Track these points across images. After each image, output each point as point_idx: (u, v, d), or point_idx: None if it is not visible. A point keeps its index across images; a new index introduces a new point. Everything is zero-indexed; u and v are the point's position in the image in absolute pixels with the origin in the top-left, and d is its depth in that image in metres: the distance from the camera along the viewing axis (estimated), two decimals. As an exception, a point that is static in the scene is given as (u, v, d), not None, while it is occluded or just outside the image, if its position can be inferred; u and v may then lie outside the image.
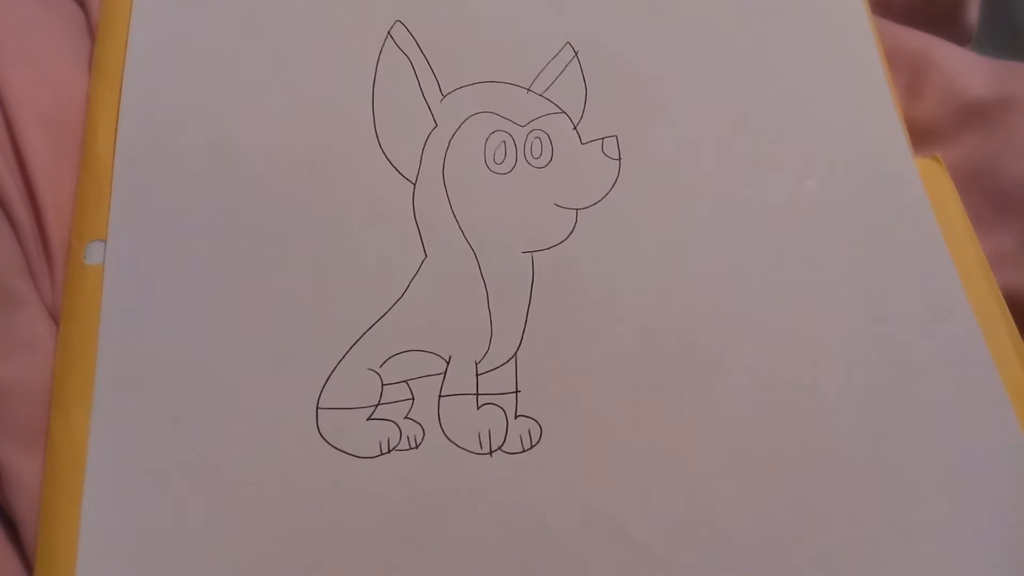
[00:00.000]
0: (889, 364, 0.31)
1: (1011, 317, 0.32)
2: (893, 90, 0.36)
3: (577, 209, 0.32)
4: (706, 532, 0.28)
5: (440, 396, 0.29)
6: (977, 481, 0.30)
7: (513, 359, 0.30)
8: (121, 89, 0.32)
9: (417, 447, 0.29)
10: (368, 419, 0.29)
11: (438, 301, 0.30)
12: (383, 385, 0.29)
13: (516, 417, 0.29)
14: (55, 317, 0.30)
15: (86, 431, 0.28)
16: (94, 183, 0.31)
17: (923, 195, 0.34)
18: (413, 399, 0.29)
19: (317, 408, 0.29)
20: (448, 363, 0.30)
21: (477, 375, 0.30)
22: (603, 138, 0.33)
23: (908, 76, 0.38)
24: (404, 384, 0.29)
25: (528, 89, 0.34)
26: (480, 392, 0.30)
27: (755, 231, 0.33)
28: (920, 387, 0.31)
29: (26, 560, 0.27)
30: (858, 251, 0.33)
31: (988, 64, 0.38)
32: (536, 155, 0.33)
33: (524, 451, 0.29)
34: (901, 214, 0.34)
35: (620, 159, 0.33)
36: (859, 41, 0.37)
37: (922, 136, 0.37)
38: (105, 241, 0.30)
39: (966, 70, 0.38)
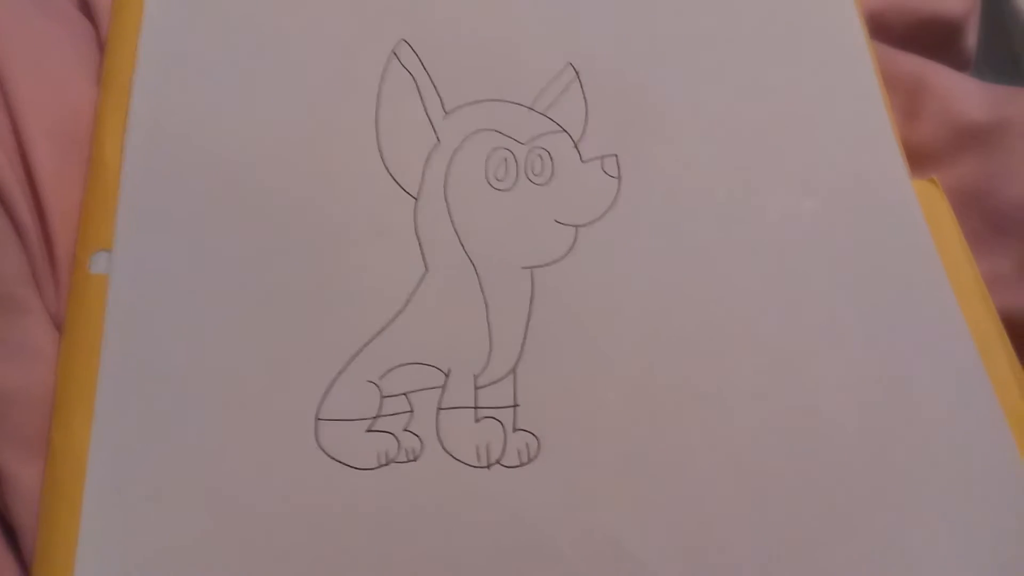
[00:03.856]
0: (887, 386, 0.31)
1: (1008, 339, 0.32)
2: (890, 113, 0.36)
3: (577, 226, 0.33)
4: (705, 549, 0.28)
5: (439, 409, 0.30)
6: (975, 504, 0.30)
7: (512, 373, 0.30)
8: (129, 101, 0.33)
9: (415, 459, 0.29)
10: (367, 431, 0.29)
11: (438, 315, 0.31)
12: (382, 397, 0.29)
13: (514, 431, 0.29)
14: (59, 326, 0.30)
15: (87, 439, 0.28)
16: (101, 193, 0.31)
17: (920, 217, 0.34)
18: (412, 412, 0.29)
19: (316, 419, 0.29)
20: (447, 376, 0.30)
21: (476, 389, 0.30)
22: (603, 156, 0.34)
23: (905, 99, 0.39)
24: (403, 397, 0.30)
25: (530, 108, 0.34)
26: (479, 406, 0.30)
27: (753, 251, 0.33)
28: (918, 409, 0.31)
29: (25, 566, 0.27)
30: (856, 272, 0.33)
31: (985, 88, 0.39)
32: (537, 172, 0.33)
33: (522, 465, 0.29)
34: (898, 236, 0.34)
35: (620, 177, 0.33)
36: (857, 64, 0.37)
37: (919, 159, 0.37)
38: (110, 251, 0.30)
39: (963, 94, 0.38)
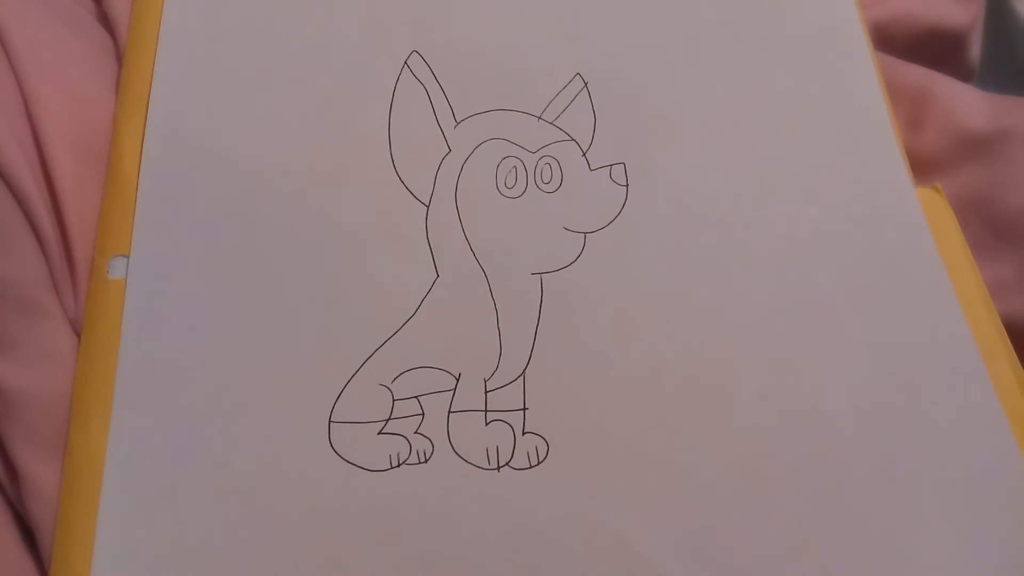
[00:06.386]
0: (891, 389, 0.31)
1: (1010, 344, 0.32)
2: (894, 122, 0.37)
3: (585, 233, 0.33)
4: (712, 550, 0.29)
5: (449, 412, 0.30)
6: (978, 505, 0.30)
7: (521, 377, 0.30)
8: (146, 111, 0.33)
9: (426, 461, 0.29)
10: (379, 433, 0.29)
11: (449, 320, 0.31)
12: (394, 400, 0.30)
13: (524, 434, 0.30)
14: (77, 330, 0.31)
15: (104, 441, 0.28)
16: (118, 200, 0.32)
17: (924, 224, 0.34)
18: (423, 414, 0.30)
19: (330, 421, 0.29)
20: (458, 380, 0.30)
21: (486, 392, 0.30)
22: (611, 165, 0.34)
23: (909, 109, 0.39)
24: (415, 400, 0.30)
25: (539, 117, 0.35)
26: (489, 409, 0.30)
27: (759, 257, 0.33)
28: (922, 412, 0.31)
29: (42, 566, 0.28)
30: (860, 278, 0.33)
31: (988, 98, 0.39)
32: (546, 180, 0.34)
33: (531, 467, 0.29)
34: (903, 242, 0.34)
35: (628, 185, 0.34)
36: (861, 74, 0.38)
37: (923, 167, 0.37)
38: (128, 257, 0.31)
39: (966, 103, 0.38)
